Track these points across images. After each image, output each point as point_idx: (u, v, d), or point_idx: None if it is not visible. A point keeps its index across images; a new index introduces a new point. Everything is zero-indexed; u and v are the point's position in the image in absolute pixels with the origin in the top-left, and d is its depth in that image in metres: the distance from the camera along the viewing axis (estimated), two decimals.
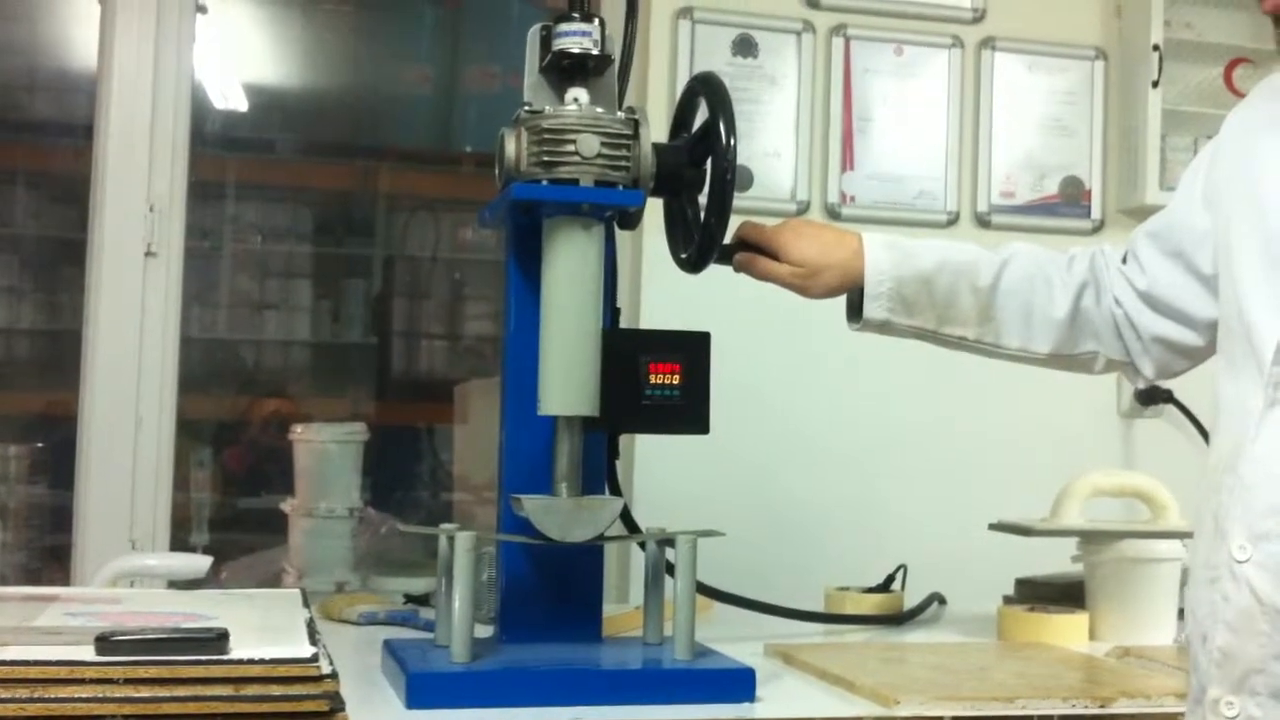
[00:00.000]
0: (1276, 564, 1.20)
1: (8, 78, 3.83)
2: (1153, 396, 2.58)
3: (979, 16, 2.63)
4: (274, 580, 2.38)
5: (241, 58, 3.89)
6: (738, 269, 1.69)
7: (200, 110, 2.79)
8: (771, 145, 2.51)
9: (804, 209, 2.51)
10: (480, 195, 1.72)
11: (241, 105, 3.96)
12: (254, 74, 4.00)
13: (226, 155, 4.08)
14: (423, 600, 1.99)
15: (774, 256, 1.66)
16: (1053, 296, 1.61)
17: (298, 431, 2.35)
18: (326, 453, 2.31)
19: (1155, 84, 2.59)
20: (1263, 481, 1.22)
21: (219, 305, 4.25)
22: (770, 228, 1.69)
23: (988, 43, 2.63)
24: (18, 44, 3.71)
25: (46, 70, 3.79)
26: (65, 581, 2.35)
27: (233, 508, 3.64)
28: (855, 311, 1.67)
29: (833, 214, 2.52)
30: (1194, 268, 1.48)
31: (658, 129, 1.57)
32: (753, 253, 1.68)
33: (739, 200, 1.60)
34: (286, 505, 2.35)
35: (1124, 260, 1.59)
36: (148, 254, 2.38)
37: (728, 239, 1.64)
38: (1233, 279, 1.32)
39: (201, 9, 2.51)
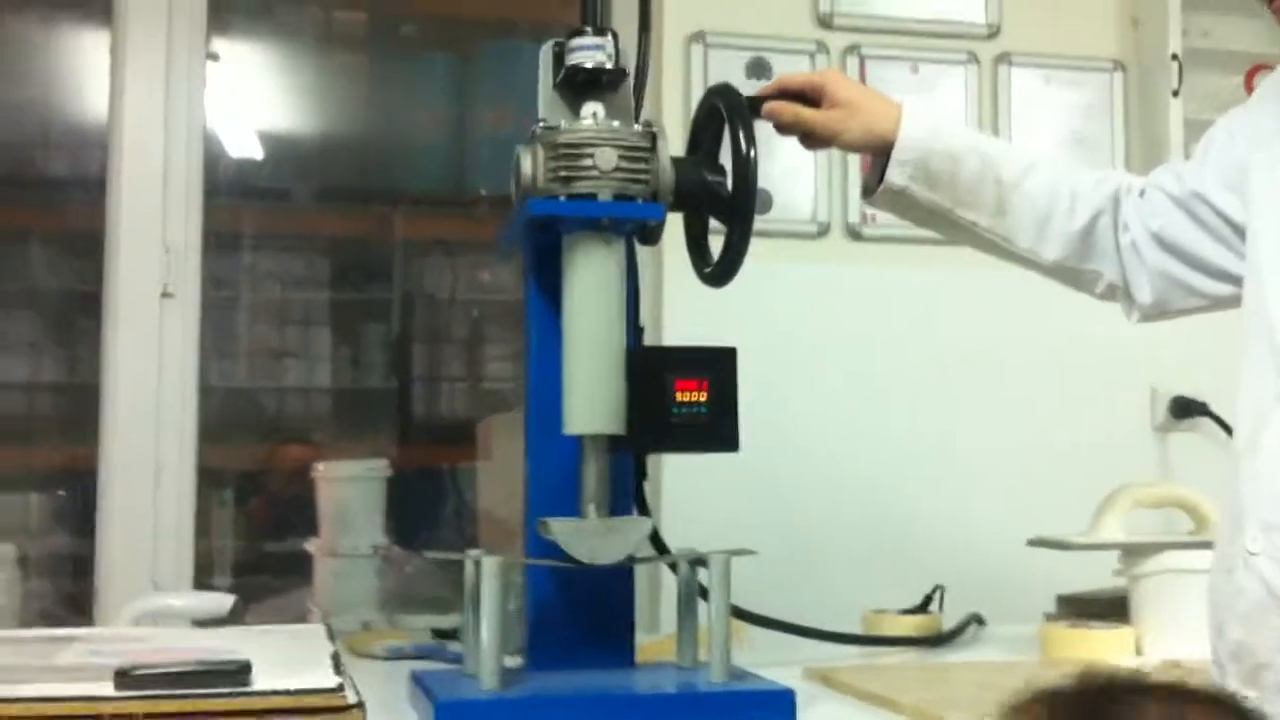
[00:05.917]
0: None
1: (23, 137, 3.83)
2: (1187, 409, 2.55)
3: (994, 32, 2.61)
4: (299, 622, 2.34)
5: (254, 105, 3.89)
6: (766, 117, 1.64)
7: (214, 158, 2.78)
8: (790, 167, 2.48)
9: (825, 230, 2.48)
10: (496, 237, 1.71)
11: (256, 153, 3.96)
12: (267, 121, 4.00)
13: (241, 204, 4.08)
14: (450, 635, 1.95)
15: (812, 102, 1.62)
16: (1075, 209, 1.60)
17: (320, 470, 2.33)
18: (349, 490, 2.29)
19: (1175, 94, 2.57)
20: (1276, 471, 1.21)
21: (238, 355, 4.23)
22: (811, 72, 1.68)
23: (1003, 58, 2.60)
24: (31, 103, 3.72)
25: (60, 127, 3.79)
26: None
27: (256, 552, 3.61)
28: (870, 189, 1.65)
29: (854, 234, 2.49)
30: (1205, 225, 1.50)
31: (674, 149, 1.55)
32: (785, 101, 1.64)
33: (759, 223, 1.57)
34: (311, 545, 2.33)
35: (1141, 193, 1.60)
36: (164, 295, 2.36)
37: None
38: (1259, 276, 1.33)
39: (213, 56, 2.51)
